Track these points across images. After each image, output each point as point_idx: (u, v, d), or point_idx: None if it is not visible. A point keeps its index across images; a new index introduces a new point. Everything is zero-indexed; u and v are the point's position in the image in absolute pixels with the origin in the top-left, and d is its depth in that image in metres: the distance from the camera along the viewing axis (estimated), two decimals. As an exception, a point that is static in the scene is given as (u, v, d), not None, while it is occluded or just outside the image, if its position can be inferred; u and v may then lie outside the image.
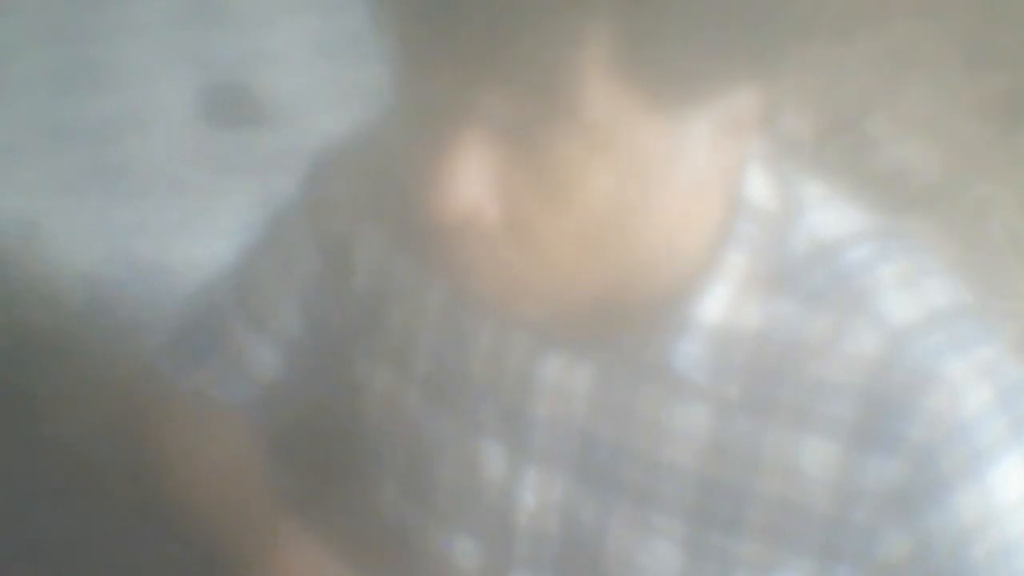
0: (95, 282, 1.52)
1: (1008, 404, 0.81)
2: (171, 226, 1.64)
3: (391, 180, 0.91)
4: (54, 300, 1.49)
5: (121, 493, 1.13)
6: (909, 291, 0.82)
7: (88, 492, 1.22)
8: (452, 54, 0.73)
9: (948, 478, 0.80)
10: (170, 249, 1.56)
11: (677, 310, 0.82)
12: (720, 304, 0.82)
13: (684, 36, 0.71)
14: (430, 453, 0.92)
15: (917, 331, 0.81)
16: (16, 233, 1.58)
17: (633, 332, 0.83)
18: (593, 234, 0.76)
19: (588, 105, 0.72)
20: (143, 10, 1.97)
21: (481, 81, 0.73)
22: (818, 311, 0.81)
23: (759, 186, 0.83)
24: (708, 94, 0.74)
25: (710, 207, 0.81)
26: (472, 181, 0.75)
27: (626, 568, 0.87)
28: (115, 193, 1.70)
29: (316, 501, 1.01)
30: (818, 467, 0.81)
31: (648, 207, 0.77)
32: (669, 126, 0.74)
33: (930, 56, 1.76)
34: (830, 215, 0.84)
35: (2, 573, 1.19)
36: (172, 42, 1.93)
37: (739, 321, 0.82)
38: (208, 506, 1.01)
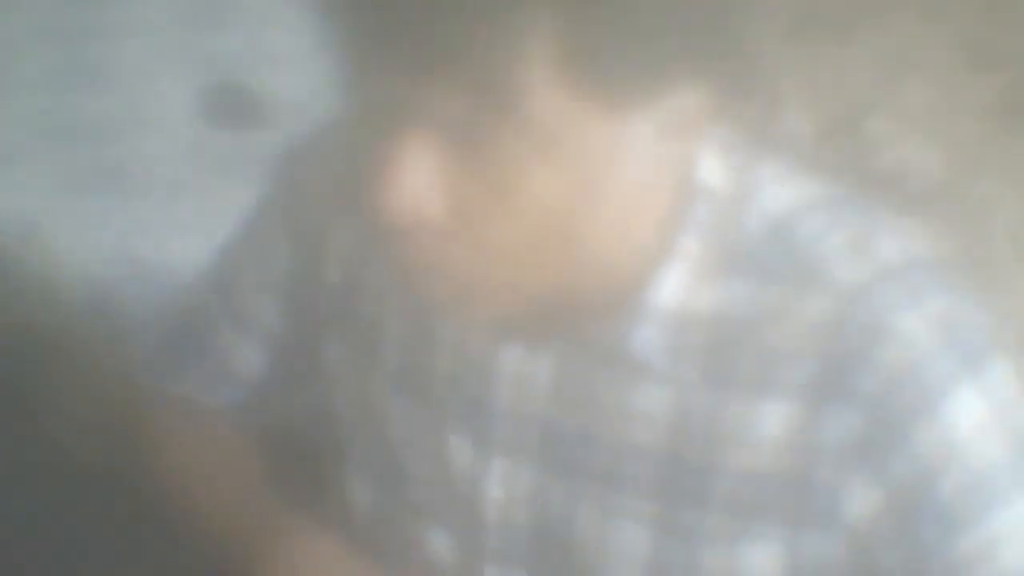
0: (95, 282, 1.52)
1: (957, 342, 0.82)
2: (171, 226, 1.64)
3: (350, 176, 0.91)
4: (54, 300, 1.49)
5: (121, 493, 1.13)
6: (860, 252, 0.83)
7: (88, 492, 1.22)
8: (397, 55, 0.73)
9: (904, 420, 0.80)
10: (170, 249, 1.56)
11: (633, 297, 0.83)
12: (676, 288, 0.83)
13: (626, 35, 0.72)
14: (401, 446, 0.93)
15: (867, 288, 0.81)
16: (16, 233, 1.58)
17: (590, 321, 0.84)
18: (541, 231, 0.77)
19: (532, 104, 0.73)
20: (143, 10, 1.97)
21: (426, 82, 0.73)
22: (772, 286, 0.82)
23: (712, 170, 0.84)
24: (652, 92, 0.75)
25: (661, 197, 0.82)
26: (419, 182, 0.76)
27: (597, 553, 0.88)
28: (115, 193, 1.70)
29: (304, 496, 1.01)
30: (778, 432, 0.82)
31: (596, 203, 0.78)
32: (614, 124, 0.75)
33: (930, 56, 1.76)
34: (782, 190, 0.85)
35: (1, 572, 1.19)
36: (172, 42, 1.93)
37: (695, 303, 0.83)
38: (205, 504, 1.02)
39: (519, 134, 0.73)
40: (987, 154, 1.68)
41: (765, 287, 0.82)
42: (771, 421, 0.81)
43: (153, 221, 1.66)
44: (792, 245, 0.82)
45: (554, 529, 0.88)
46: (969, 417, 0.81)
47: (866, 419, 0.80)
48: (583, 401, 0.85)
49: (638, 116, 0.75)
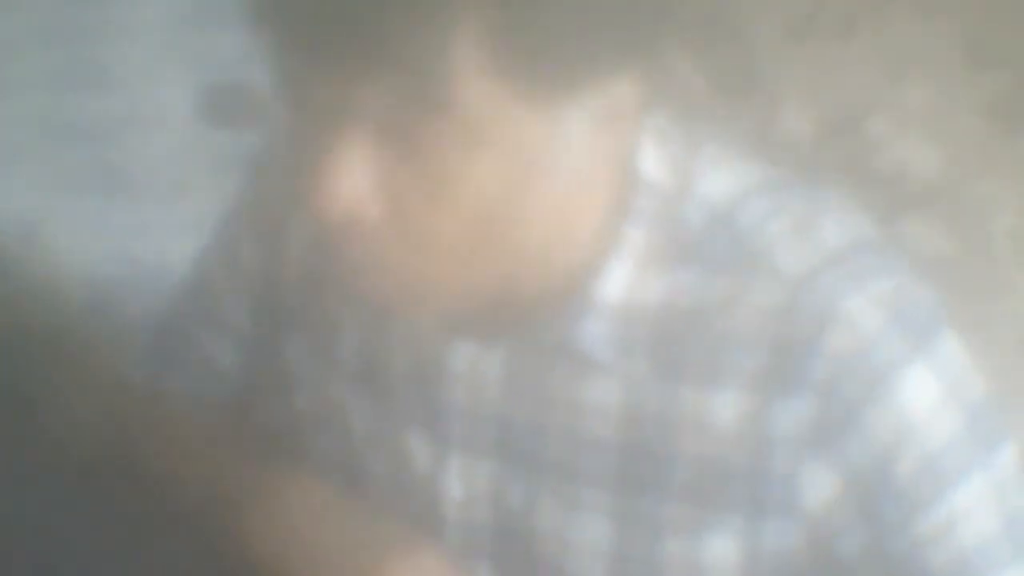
0: (95, 282, 1.52)
1: (905, 323, 0.82)
2: (171, 226, 1.64)
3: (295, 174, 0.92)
4: (54, 300, 1.49)
5: (120, 492, 1.13)
6: (804, 238, 0.83)
7: (87, 491, 1.22)
8: (328, 54, 0.73)
9: (857, 405, 0.81)
10: (170, 249, 1.56)
11: (578, 291, 0.83)
12: (621, 282, 0.83)
13: (555, 28, 0.72)
14: (361, 445, 0.93)
15: (813, 275, 0.82)
16: (16, 233, 1.58)
17: (537, 316, 0.84)
18: (479, 228, 0.77)
19: (463, 100, 0.73)
20: (143, 10, 1.97)
21: (358, 80, 0.73)
22: (718, 275, 0.82)
23: (651, 161, 0.84)
24: (582, 84, 0.75)
25: (600, 190, 0.82)
26: (353, 181, 0.76)
27: (559, 546, 0.88)
28: (115, 193, 1.70)
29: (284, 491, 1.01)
30: (730, 422, 0.82)
31: (532, 197, 0.78)
32: (546, 117, 0.75)
33: (930, 56, 1.76)
34: (722, 178, 0.85)
35: (1, 572, 1.19)
36: (172, 42, 1.93)
37: (641, 296, 0.83)
38: (193, 503, 1.02)
39: (453, 130, 0.73)
40: (987, 154, 1.68)
41: (711, 277, 0.82)
42: (724, 411, 0.82)
43: (153, 221, 1.66)
44: (735, 233, 0.82)
45: (515, 524, 0.88)
46: (921, 397, 0.81)
47: (819, 405, 0.80)
48: (536, 396, 0.85)
49: (571, 107, 0.75)
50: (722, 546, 0.84)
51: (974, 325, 0.87)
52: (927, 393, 0.82)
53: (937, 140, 1.70)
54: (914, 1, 1.80)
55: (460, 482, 0.89)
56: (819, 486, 0.82)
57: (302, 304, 0.95)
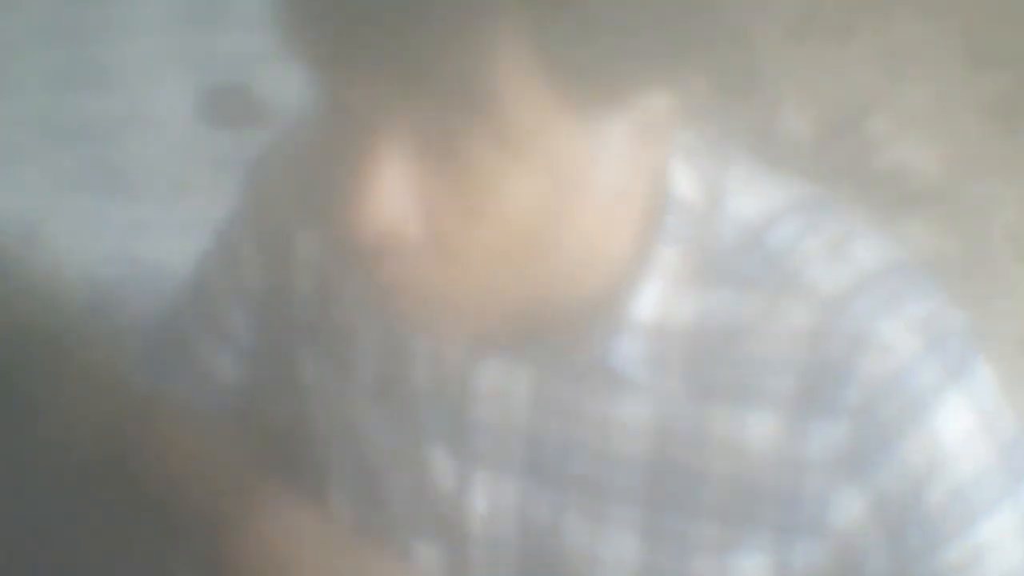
0: (95, 282, 1.52)
1: (940, 350, 0.81)
2: (171, 226, 1.64)
3: (316, 187, 0.90)
4: (54, 300, 1.49)
5: (119, 491, 1.13)
6: (837, 259, 0.82)
7: (86, 490, 1.22)
8: (367, 64, 0.72)
9: (890, 430, 0.80)
10: (170, 249, 1.56)
11: (611, 310, 0.82)
12: (654, 300, 0.82)
13: (598, 40, 0.71)
14: (381, 461, 0.92)
15: (847, 297, 0.81)
16: (16, 233, 1.58)
17: (568, 334, 0.83)
18: (516, 244, 0.76)
19: (506, 112, 0.72)
20: (143, 10, 1.97)
21: (397, 93, 0.72)
22: (751, 294, 0.82)
23: (682, 179, 0.83)
24: (623, 97, 0.74)
25: (634, 206, 0.81)
26: (392, 198, 0.74)
27: (585, 563, 0.87)
28: (115, 193, 1.70)
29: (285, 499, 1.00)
30: (763, 442, 0.82)
31: (570, 212, 0.77)
32: (585, 130, 0.74)
33: (930, 56, 1.76)
34: (752, 197, 0.84)
35: (1, 572, 1.19)
36: (172, 42, 1.93)
37: (674, 315, 0.82)
38: (189, 504, 1.02)
39: (494, 142, 0.72)
40: (987, 154, 1.68)
41: (743, 296, 0.81)
42: (756, 431, 0.81)
43: (153, 221, 1.66)
44: (767, 252, 0.82)
45: (541, 540, 0.87)
46: (955, 426, 0.81)
47: (852, 428, 0.80)
48: (565, 413, 0.84)
49: (609, 121, 0.74)
50: (751, 565, 0.84)
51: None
52: (961, 423, 0.81)
53: (937, 140, 1.70)
54: (914, 1, 1.80)
55: (485, 498, 0.88)
56: (849, 508, 0.82)
57: (315, 320, 0.94)
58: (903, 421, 0.80)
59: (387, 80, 0.72)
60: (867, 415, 0.80)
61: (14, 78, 1.86)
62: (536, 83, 0.71)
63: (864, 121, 1.70)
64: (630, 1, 0.71)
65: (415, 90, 0.72)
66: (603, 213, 0.79)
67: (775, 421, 0.81)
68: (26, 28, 1.93)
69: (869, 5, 1.81)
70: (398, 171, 0.74)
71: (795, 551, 0.83)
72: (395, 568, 0.91)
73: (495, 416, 0.87)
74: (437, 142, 0.73)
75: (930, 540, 0.82)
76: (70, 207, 1.67)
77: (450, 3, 0.69)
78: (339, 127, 0.76)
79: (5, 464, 1.26)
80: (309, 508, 0.94)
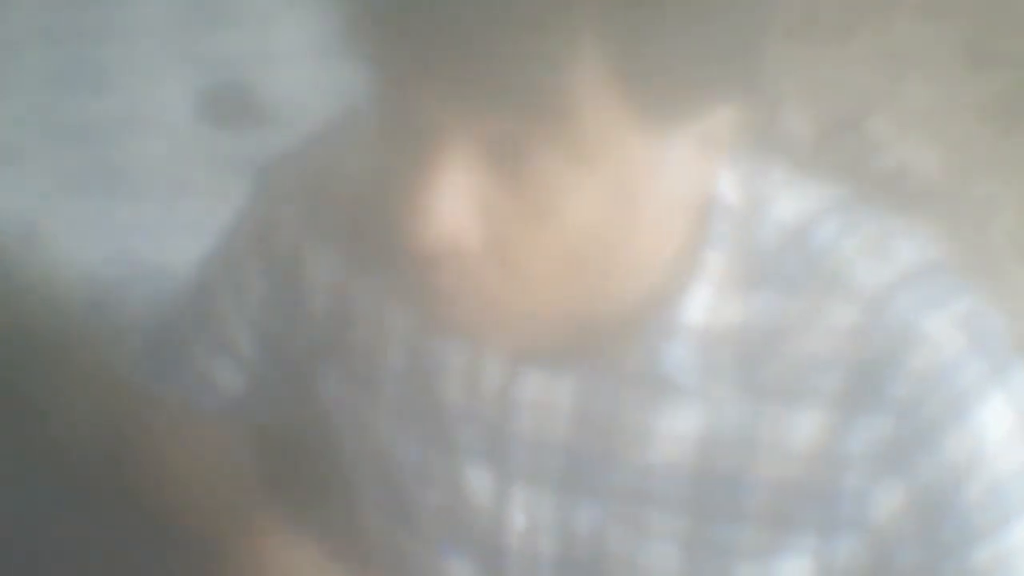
0: (95, 282, 1.52)
1: (984, 348, 0.82)
2: (171, 226, 1.64)
3: (347, 198, 0.89)
4: (54, 300, 1.49)
5: (118, 492, 1.12)
6: (878, 256, 0.83)
7: (86, 491, 1.22)
8: (438, 72, 0.71)
9: (934, 426, 0.80)
10: (170, 249, 1.56)
11: (660, 316, 0.82)
12: (702, 305, 0.82)
13: (673, 51, 0.71)
14: (410, 478, 0.91)
15: (890, 294, 0.81)
16: (16, 233, 1.58)
17: (616, 342, 0.83)
18: (576, 253, 0.76)
19: (578, 123, 0.71)
20: (143, 10, 1.97)
21: (468, 100, 0.71)
22: (795, 295, 0.82)
23: (726, 184, 0.83)
24: (692, 109, 0.74)
25: (687, 214, 0.81)
26: (455, 206, 0.73)
27: (626, 572, 0.87)
28: (115, 193, 1.70)
29: (293, 513, 1.00)
30: (809, 442, 0.81)
31: (631, 223, 0.77)
32: (653, 142, 0.74)
33: (930, 56, 1.75)
34: (792, 200, 0.85)
35: (1, 572, 1.19)
36: (172, 42, 1.93)
37: (722, 319, 0.82)
38: (194, 502, 1.01)
39: (563, 152, 0.71)
40: (987, 154, 1.68)
41: (788, 297, 0.82)
42: (802, 431, 0.81)
43: (153, 221, 1.66)
44: (809, 253, 0.82)
45: (580, 552, 0.87)
46: (996, 424, 0.81)
47: (896, 424, 0.80)
48: (608, 423, 0.84)
49: (675, 132, 0.74)
50: (793, 567, 0.84)
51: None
52: (1002, 421, 0.81)
53: (937, 140, 1.70)
54: (914, 1, 1.80)
55: (523, 512, 0.88)
56: (888, 502, 0.82)
57: (333, 337, 0.93)
58: (946, 416, 0.80)
59: (459, 87, 0.71)
60: (911, 410, 0.80)
61: (14, 78, 1.86)
62: (611, 94, 0.71)
63: (864, 121, 1.70)
64: (705, 15, 0.71)
65: (487, 98, 0.71)
66: (661, 223, 0.79)
67: (821, 419, 0.81)
68: (26, 28, 1.93)
69: (869, 5, 1.81)
70: (463, 179, 0.73)
71: (835, 548, 0.84)
72: None
73: (535, 428, 0.86)
74: (505, 151, 0.72)
75: (963, 536, 0.82)
76: (70, 207, 1.67)
77: (529, 12, 0.68)
78: (401, 132, 0.75)
79: (4, 464, 1.26)
80: (308, 541, 0.94)
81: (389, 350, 0.90)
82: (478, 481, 0.88)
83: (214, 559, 0.98)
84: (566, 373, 0.85)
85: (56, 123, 1.81)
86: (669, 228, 0.80)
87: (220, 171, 1.73)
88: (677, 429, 0.83)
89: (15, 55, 1.89)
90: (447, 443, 0.89)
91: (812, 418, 0.81)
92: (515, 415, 0.86)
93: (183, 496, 1.04)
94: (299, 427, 1.04)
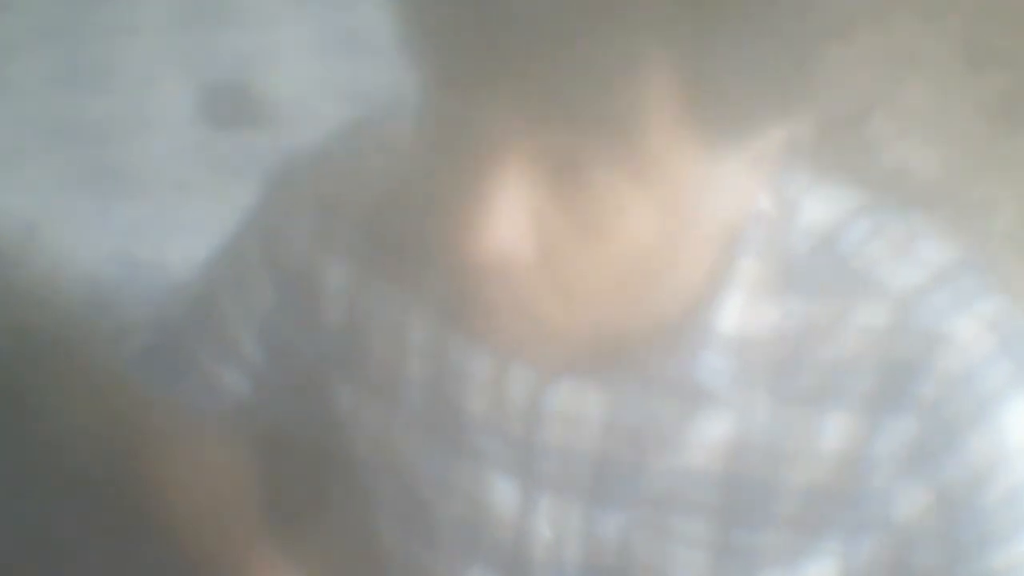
0: (95, 282, 1.52)
1: (1012, 351, 0.82)
2: (171, 226, 1.64)
3: (366, 207, 0.88)
4: (54, 300, 1.49)
5: (118, 494, 1.13)
6: (905, 258, 0.83)
7: (84, 492, 1.22)
8: (497, 79, 0.70)
9: (959, 427, 0.80)
10: (170, 249, 1.56)
11: (696, 324, 0.81)
12: (735, 312, 0.82)
13: (735, 69, 0.70)
14: (429, 490, 0.91)
15: (918, 296, 0.82)
16: (16, 233, 1.58)
17: (650, 351, 0.82)
18: (624, 270, 0.75)
19: (638, 139, 0.70)
20: (143, 10, 1.97)
21: (530, 115, 0.70)
22: (825, 299, 0.82)
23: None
24: (749, 127, 0.73)
25: (730, 227, 0.81)
26: (509, 219, 0.72)
27: None
28: (115, 193, 1.70)
29: (298, 524, 1.00)
30: (837, 445, 0.82)
31: (681, 240, 0.76)
32: (709, 158, 0.73)
33: (930, 56, 1.75)
34: (821, 205, 0.85)
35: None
36: (172, 42, 1.93)
37: (755, 325, 0.82)
38: (189, 513, 1.01)
39: (623, 169, 0.71)
40: (987, 154, 1.68)
41: (818, 301, 0.82)
42: (831, 434, 0.81)
43: (153, 221, 1.66)
44: (838, 256, 0.82)
45: (606, 560, 0.87)
46: (1021, 426, 0.81)
47: (922, 424, 0.80)
48: (639, 432, 0.84)
49: (732, 151, 0.73)
50: (818, 569, 0.84)
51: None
52: None
53: (937, 140, 1.70)
54: (914, 1, 1.80)
55: (549, 522, 0.87)
56: (911, 502, 0.82)
57: (350, 349, 0.92)
58: (972, 417, 0.80)
59: (520, 99, 0.70)
60: (937, 410, 0.80)
61: (14, 78, 1.86)
62: (673, 113, 0.70)
63: (864, 121, 1.70)
64: (765, 34, 0.70)
65: (548, 112, 0.70)
66: (706, 239, 0.79)
67: (850, 422, 0.81)
68: (26, 28, 1.93)
69: (870, 5, 1.81)
70: (517, 192, 0.72)
71: (859, 549, 0.84)
72: None
73: (563, 438, 0.85)
74: (562, 166, 0.71)
75: (982, 538, 0.82)
76: (70, 207, 1.67)
77: (596, 28, 0.67)
78: (456, 141, 0.73)
79: (4, 464, 1.26)
80: (312, 550, 0.94)
81: (408, 361, 0.89)
82: (502, 492, 0.88)
83: (213, 561, 0.98)
84: (596, 383, 0.84)
85: (56, 123, 1.81)
86: (712, 242, 0.80)
87: (220, 171, 1.73)
88: (708, 436, 0.83)
89: (15, 55, 1.89)
90: (470, 454, 0.88)
91: (841, 421, 0.81)
92: (543, 426, 0.85)
93: (183, 498, 1.04)
94: (309, 436, 1.03)
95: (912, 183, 1.65)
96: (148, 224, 1.65)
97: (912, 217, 0.86)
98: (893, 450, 0.81)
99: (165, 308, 1.07)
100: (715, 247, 0.81)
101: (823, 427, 0.82)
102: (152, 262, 1.56)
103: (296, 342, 0.95)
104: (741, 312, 0.82)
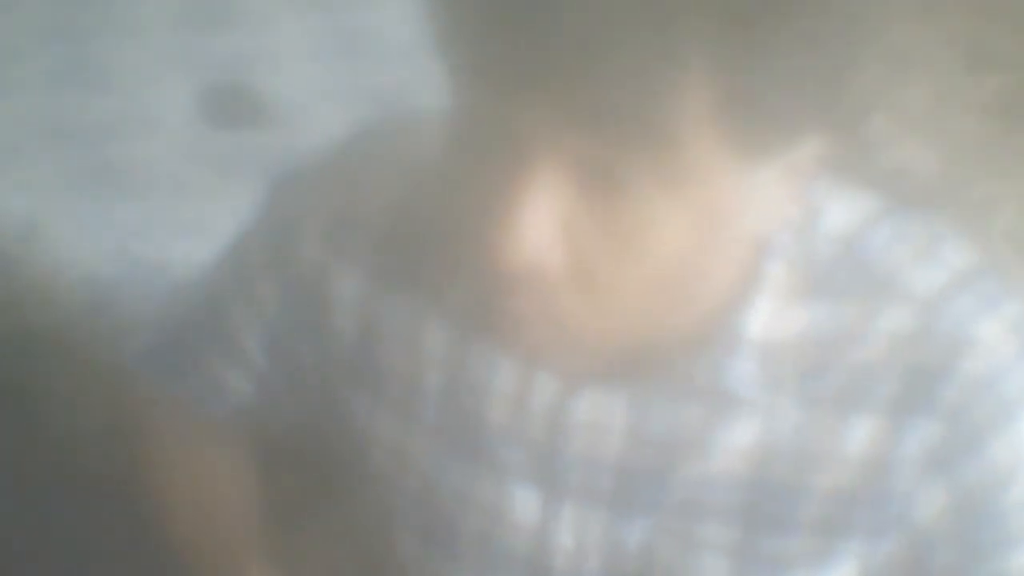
0: (95, 282, 1.52)
1: None
2: (171, 226, 1.64)
3: (380, 213, 0.87)
4: (54, 300, 1.49)
5: (118, 493, 1.13)
6: (929, 261, 0.83)
7: (85, 492, 1.22)
8: (535, 84, 0.69)
9: (981, 430, 0.80)
10: (170, 249, 1.56)
11: (723, 331, 0.81)
12: (763, 317, 0.81)
13: (776, 82, 0.69)
14: (448, 501, 0.90)
15: (942, 299, 0.82)
16: (16, 233, 1.58)
17: (677, 359, 0.82)
18: (656, 280, 0.74)
19: (676, 149, 0.69)
20: (143, 10, 1.97)
21: (567, 122, 0.69)
22: (849, 303, 0.82)
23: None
24: (786, 138, 0.73)
25: (757, 233, 0.81)
26: (542, 227, 0.71)
27: None
28: (115, 193, 1.70)
29: (300, 531, 1.00)
30: (862, 448, 0.82)
31: (714, 250, 0.76)
32: (746, 170, 0.72)
33: (930, 56, 1.75)
34: (842, 210, 0.85)
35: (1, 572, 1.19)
36: (172, 42, 1.93)
37: (781, 330, 0.82)
38: (189, 513, 1.01)
39: (659, 179, 0.70)
40: (987, 154, 1.68)
41: (842, 306, 0.81)
42: (856, 438, 0.81)
43: (153, 221, 1.66)
44: (862, 261, 0.82)
45: (628, 567, 0.86)
46: None
47: (945, 427, 0.80)
48: (663, 439, 0.83)
49: (767, 163, 0.73)
50: (840, 573, 0.84)
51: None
52: None
53: (937, 140, 1.70)
54: (914, 1, 1.80)
55: (571, 532, 0.87)
56: (932, 504, 0.82)
57: (364, 358, 0.90)
58: (995, 420, 0.80)
59: (558, 106, 0.69)
60: (961, 413, 0.80)
61: (14, 78, 1.86)
62: (713, 124, 0.69)
63: (864, 121, 1.70)
64: (807, 47, 0.70)
65: (586, 120, 0.69)
66: (737, 249, 0.79)
67: (874, 425, 0.81)
68: (26, 28, 1.93)
69: (870, 5, 1.81)
70: (551, 199, 0.71)
71: (878, 550, 0.84)
72: None
73: (587, 447, 0.85)
74: (597, 174, 0.70)
75: (1000, 540, 0.82)
76: (70, 207, 1.67)
77: (638, 37, 0.66)
78: (491, 145, 0.72)
79: (4, 464, 1.26)
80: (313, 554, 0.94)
81: (426, 370, 0.88)
82: (523, 502, 0.87)
83: (213, 562, 0.98)
84: (622, 391, 0.84)
85: (56, 123, 1.81)
86: (741, 250, 0.80)
87: (220, 171, 1.73)
88: (735, 441, 0.83)
89: (15, 55, 1.89)
90: (491, 465, 0.88)
91: (866, 424, 0.81)
92: (566, 435, 0.85)
93: (184, 498, 1.04)
94: (316, 442, 1.03)
95: (911, 184, 1.66)
96: (148, 224, 1.65)
97: (931, 219, 0.86)
98: (916, 453, 0.81)
99: (167, 307, 1.06)
100: (744, 255, 0.81)
101: (849, 430, 0.82)
102: (152, 262, 1.56)
103: (302, 348, 0.94)
104: (768, 318, 0.81)
